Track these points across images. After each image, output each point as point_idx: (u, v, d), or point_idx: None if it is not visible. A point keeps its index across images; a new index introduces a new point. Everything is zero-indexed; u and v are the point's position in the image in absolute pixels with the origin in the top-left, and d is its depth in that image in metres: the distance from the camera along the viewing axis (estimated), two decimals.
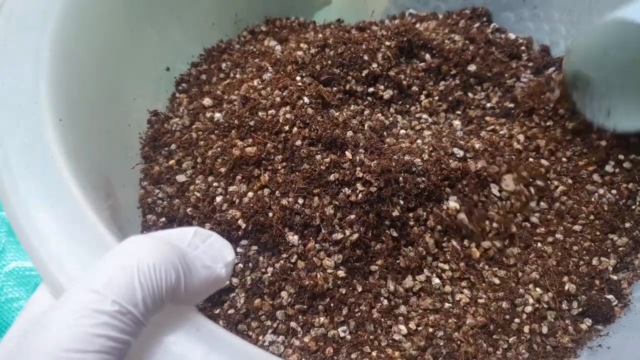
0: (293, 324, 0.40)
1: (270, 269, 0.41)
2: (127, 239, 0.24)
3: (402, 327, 0.40)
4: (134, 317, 0.22)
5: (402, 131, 0.50)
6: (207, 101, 0.50)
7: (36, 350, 0.20)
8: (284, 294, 0.41)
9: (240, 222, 0.42)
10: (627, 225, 0.47)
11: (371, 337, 0.39)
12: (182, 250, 0.25)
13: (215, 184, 0.45)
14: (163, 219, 0.45)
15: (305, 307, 0.40)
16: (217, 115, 0.48)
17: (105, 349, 0.21)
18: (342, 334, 0.39)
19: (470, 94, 0.55)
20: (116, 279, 0.22)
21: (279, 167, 0.44)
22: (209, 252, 0.27)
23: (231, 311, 0.40)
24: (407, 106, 0.53)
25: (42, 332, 0.21)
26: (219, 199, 0.44)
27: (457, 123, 0.53)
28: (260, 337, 0.39)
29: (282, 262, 0.41)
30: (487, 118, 0.54)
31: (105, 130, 0.43)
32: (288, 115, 0.45)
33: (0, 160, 0.31)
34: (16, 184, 0.30)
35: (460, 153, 0.47)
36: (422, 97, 0.54)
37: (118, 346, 0.21)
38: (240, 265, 0.42)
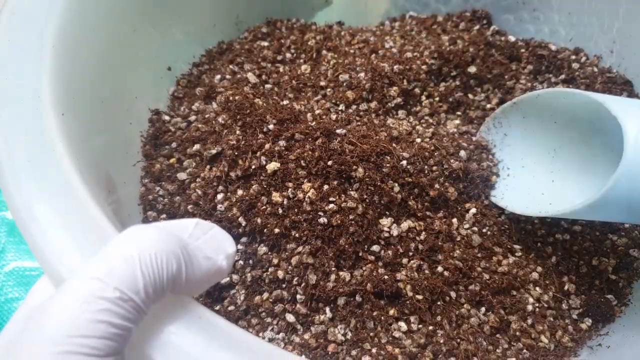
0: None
1: (271, 269, 0.41)
2: (128, 228, 0.24)
3: (403, 325, 0.40)
4: (135, 305, 0.22)
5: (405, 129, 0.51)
6: (207, 101, 0.50)
7: (39, 337, 0.20)
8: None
9: (240, 219, 0.42)
10: (627, 225, 0.47)
11: (371, 334, 0.39)
12: (184, 240, 0.25)
13: (215, 182, 0.45)
14: (164, 216, 0.45)
15: None
16: (219, 116, 0.48)
17: (107, 334, 0.21)
18: (342, 331, 0.39)
19: (470, 95, 0.55)
20: (118, 267, 0.22)
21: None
22: (210, 243, 0.27)
23: (231, 308, 0.40)
24: (409, 107, 0.53)
25: (44, 319, 0.21)
26: (220, 196, 0.44)
27: (457, 123, 0.53)
28: (260, 334, 0.39)
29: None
30: (487, 119, 0.54)
31: (106, 127, 0.43)
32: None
33: (3, 153, 0.31)
34: (18, 176, 0.30)
35: (463, 153, 0.47)
36: (423, 97, 0.54)
37: (120, 332, 0.21)
38: (241, 262, 0.42)
